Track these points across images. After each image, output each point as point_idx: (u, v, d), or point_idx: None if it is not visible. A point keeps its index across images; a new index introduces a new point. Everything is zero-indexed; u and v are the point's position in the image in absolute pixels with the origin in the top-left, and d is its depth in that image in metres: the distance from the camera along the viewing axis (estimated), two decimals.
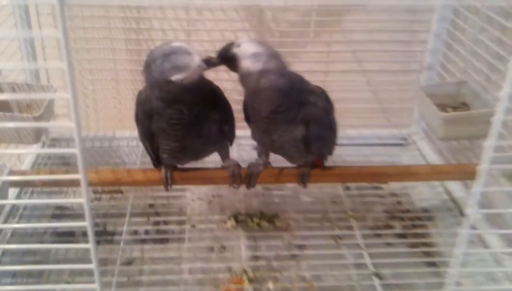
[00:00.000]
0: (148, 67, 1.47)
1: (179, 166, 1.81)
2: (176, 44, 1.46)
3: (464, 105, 2.18)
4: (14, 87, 2.10)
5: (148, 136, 1.65)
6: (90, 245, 1.22)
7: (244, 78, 1.50)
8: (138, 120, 1.65)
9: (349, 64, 2.64)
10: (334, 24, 2.54)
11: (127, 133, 2.64)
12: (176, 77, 1.42)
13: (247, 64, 1.47)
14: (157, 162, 1.78)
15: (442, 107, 2.11)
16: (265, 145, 1.78)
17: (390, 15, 2.52)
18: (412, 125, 2.74)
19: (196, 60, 1.44)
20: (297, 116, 1.58)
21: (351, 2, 2.43)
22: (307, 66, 2.55)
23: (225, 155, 1.85)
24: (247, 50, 1.47)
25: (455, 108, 2.16)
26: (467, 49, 2.25)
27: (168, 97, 1.48)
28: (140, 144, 2.52)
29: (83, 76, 2.60)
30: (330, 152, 1.82)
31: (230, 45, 1.50)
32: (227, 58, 1.49)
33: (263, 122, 1.62)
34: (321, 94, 1.68)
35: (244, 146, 2.50)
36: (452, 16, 2.40)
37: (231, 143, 1.84)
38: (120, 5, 2.44)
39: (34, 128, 1.91)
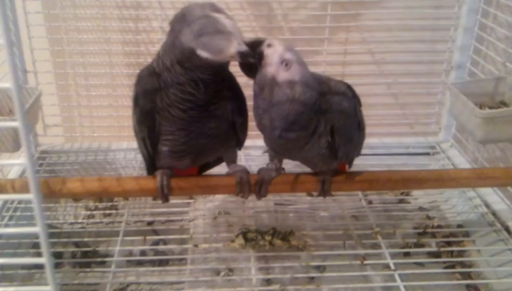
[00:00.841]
0: (181, 22, 1.28)
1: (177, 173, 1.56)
2: (222, 19, 1.25)
3: (503, 105, 1.94)
4: None
5: (148, 121, 1.41)
6: (49, 288, 0.89)
7: (265, 84, 1.30)
8: (138, 102, 1.41)
9: (368, 66, 2.42)
10: (350, 21, 2.33)
11: (124, 145, 2.42)
12: (204, 54, 1.25)
13: (274, 70, 1.28)
14: (152, 163, 1.53)
15: (478, 107, 1.85)
16: (280, 154, 1.55)
17: (412, 11, 2.31)
18: (441, 132, 2.49)
19: (232, 50, 1.25)
20: (320, 127, 1.37)
21: None
22: (321, 68, 2.36)
23: (231, 160, 1.61)
24: (277, 54, 1.29)
25: (492, 109, 1.90)
26: (503, 40, 2.01)
27: (186, 63, 1.29)
28: (138, 157, 2.35)
29: (76, 82, 2.39)
30: (358, 153, 1.60)
31: (258, 42, 1.32)
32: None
33: (275, 142, 1.41)
34: (345, 91, 1.45)
35: (253, 157, 2.28)
36: (483, 6, 2.17)
37: (240, 145, 1.60)
38: (117, 4, 2.25)
39: (13, 135, 1.69)
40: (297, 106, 1.28)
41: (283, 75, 1.28)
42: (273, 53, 1.29)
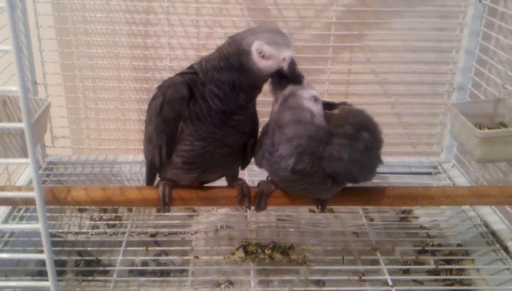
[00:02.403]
0: (243, 33, 1.37)
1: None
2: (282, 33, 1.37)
3: (503, 126, 1.95)
4: (5, 101, 1.95)
5: (170, 129, 1.42)
6: (49, 283, 0.93)
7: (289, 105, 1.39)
8: (162, 109, 1.41)
9: (371, 85, 2.46)
10: (354, 41, 2.37)
11: (130, 158, 2.45)
12: (262, 48, 1.32)
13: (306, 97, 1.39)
14: (155, 174, 1.58)
15: (478, 128, 1.88)
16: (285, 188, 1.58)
17: (415, 33, 2.35)
18: (443, 153, 2.50)
19: (287, 53, 1.34)
20: (319, 172, 1.41)
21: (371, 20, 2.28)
22: (325, 87, 2.40)
23: (233, 176, 1.64)
24: (311, 91, 1.40)
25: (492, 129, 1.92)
26: (504, 62, 2.04)
27: (235, 64, 1.36)
28: (144, 170, 2.38)
29: (85, 95, 2.44)
30: (370, 179, 1.57)
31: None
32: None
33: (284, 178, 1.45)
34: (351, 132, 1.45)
35: (256, 173, 2.31)
36: (484, 29, 2.20)
37: (245, 165, 1.64)
38: (127, 21, 2.30)
39: (21, 141, 1.73)
40: (315, 129, 1.37)
41: (313, 106, 1.38)
42: (308, 87, 1.39)
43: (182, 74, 1.45)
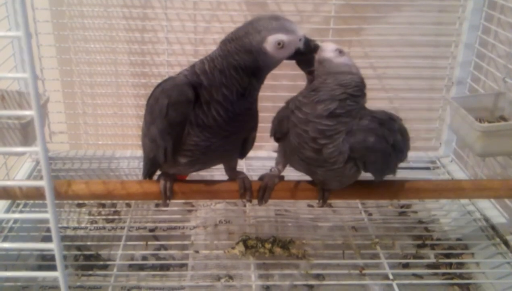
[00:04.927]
0: (248, 25, 1.33)
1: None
2: (284, 17, 1.35)
3: (503, 120, 1.95)
4: (3, 95, 1.94)
5: (176, 132, 1.38)
6: (58, 273, 0.92)
7: (323, 65, 1.41)
8: (167, 113, 1.35)
9: (369, 80, 2.42)
10: (352, 35, 2.37)
11: (128, 153, 2.45)
12: (277, 38, 1.30)
13: (330, 54, 1.41)
14: (151, 172, 1.57)
15: (478, 122, 1.87)
16: (301, 168, 1.55)
17: (413, 27, 2.34)
18: (441, 147, 2.51)
19: (301, 32, 1.34)
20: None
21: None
22: None
23: (232, 167, 1.63)
24: (332, 45, 1.43)
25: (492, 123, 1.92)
26: (503, 56, 2.04)
27: (249, 68, 1.33)
28: (142, 165, 2.36)
29: (82, 90, 2.42)
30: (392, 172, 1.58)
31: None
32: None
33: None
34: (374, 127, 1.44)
35: (254, 168, 2.31)
36: (484, 23, 2.20)
37: (244, 156, 1.61)
38: (124, 15, 2.29)
39: (20, 136, 1.72)
40: (356, 79, 1.40)
41: (339, 59, 1.41)
42: (328, 44, 1.42)
43: (184, 74, 1.39)
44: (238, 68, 1.32)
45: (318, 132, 1.36)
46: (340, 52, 1.41)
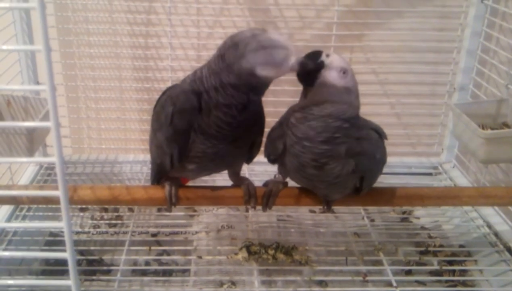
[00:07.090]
0: (234, 48, 1.29)
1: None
2: (274, 36, 1.29)
3: (506, 126, 1.96)
4: (9, 100, 1.94)
5: (182, 140, 1.39)
6: (71, 282, 0.92)
7: (323, 89, 1.35)
8: (172, 120, 1.37)
9: (371, 85, 2.46)
10: (354, 41, 2.38)
11: (131, 157, 2.45)
12: (265, 72, 1.29)
13: (333, 75, 1.34)
14: (158, 177, 1.56)
15: (481, 128, 1.87)
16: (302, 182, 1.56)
17: (415, 33, 2.35)
18: (443, 153, 2.51)
19: (292, 61, 1.30)
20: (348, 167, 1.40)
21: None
22: None
23: (236, 172, 1.63)
24: (337, 62, 1.35)
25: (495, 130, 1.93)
26: (506, 62, 2.05)
27: (242, 87, 1.31)
28: (144, 169, 2.38)
29: (86, 95, 2.43)
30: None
31: (318, 53, 1.36)
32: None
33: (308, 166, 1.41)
34: (378, 140, 1.48)
35: (257, 173, 2.31)
36: (486, 29, 2.21)
37: (251, 160, 1.61)
38: (128, 21, 2.30)
39: (26, 142, 1.73)
40: (353, 111, 1.36)
41: (342, 81, 1.34)
42: (333, 61, 1.35)
43: (188, 82, 1.39)
44: (233, 86, 1.31)
45: (316, 155, 1.36)
46: (345, 72, 1.34)
